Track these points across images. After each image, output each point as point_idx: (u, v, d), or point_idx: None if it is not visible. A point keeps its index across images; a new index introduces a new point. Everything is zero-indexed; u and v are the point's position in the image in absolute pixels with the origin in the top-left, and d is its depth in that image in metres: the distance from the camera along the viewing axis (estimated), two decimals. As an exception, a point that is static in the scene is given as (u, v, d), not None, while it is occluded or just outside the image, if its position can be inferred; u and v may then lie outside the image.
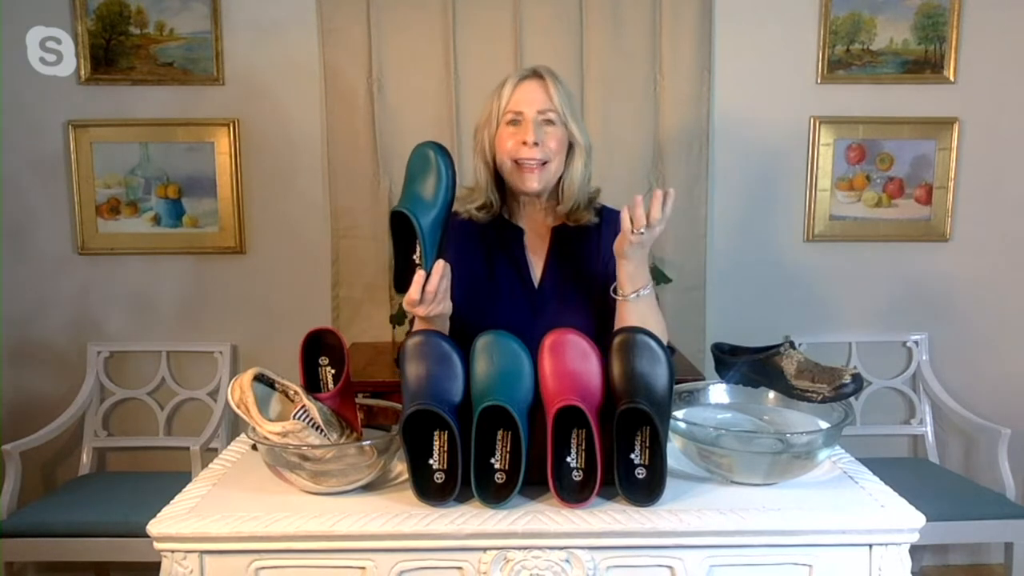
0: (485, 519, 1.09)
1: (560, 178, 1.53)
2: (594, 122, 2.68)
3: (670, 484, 1.14)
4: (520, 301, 1.51)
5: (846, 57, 2.73)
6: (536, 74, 1.50)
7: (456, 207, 1.57)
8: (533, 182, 1.48)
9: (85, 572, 2.71)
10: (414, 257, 1.32)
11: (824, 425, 1.24)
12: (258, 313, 2.80)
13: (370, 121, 2.68)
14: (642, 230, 1.32)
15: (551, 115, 1.48)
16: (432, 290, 1.28)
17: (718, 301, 2.81)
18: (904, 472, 2.53)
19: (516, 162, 1.48)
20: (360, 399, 1.35)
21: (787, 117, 2.75)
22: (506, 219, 1.58)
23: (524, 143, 1.46)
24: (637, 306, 1.40)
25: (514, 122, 1.48)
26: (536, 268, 1.55)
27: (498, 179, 1.55)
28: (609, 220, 1.58)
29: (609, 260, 1.46)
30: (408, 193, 1.34)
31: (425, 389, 1.15)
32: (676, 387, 1.21)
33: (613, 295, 1.42)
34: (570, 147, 1.52)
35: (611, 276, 1.45)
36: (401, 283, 1.32)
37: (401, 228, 1.31)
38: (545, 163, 1.48)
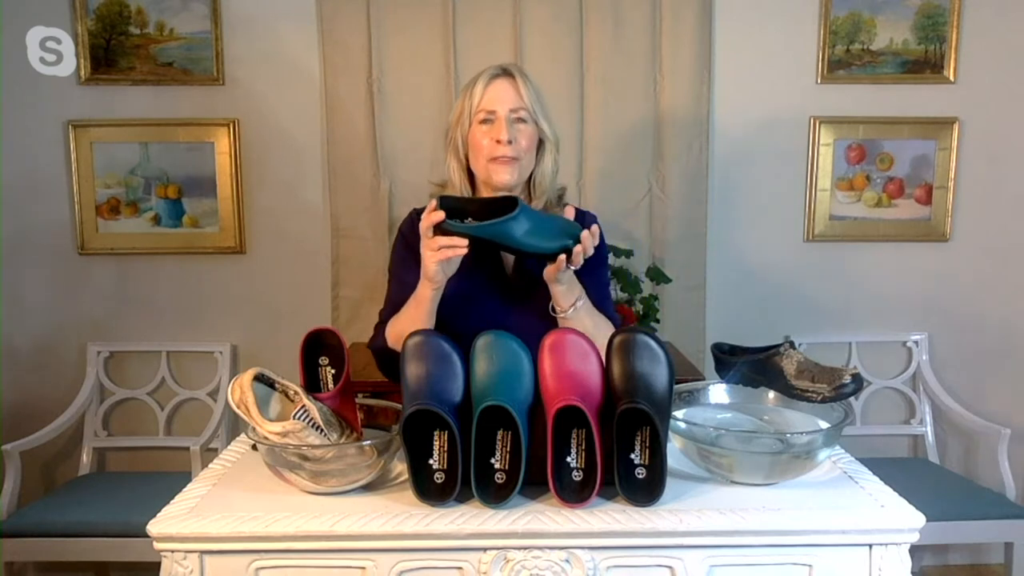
0: (485, 519, 1.09)
1: (532, 175, 1.58)
2: (594, 122, 2.68)
3: (670, 484, 1.14)
4: (494, 293, 1.54)
5: (846, 57, 2.73)
6: (506, 72, 1.54)
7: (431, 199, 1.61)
8: (506, 175, 1.51)
9: (85, 572, 2.71)
10: (469, 220, 1.33)
11: (824, 425, 1.24)
12: (258, 313, 2.80)
13: (370, 121, 2.68)
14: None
15: (522, 113, 1.52)
16: (430, 225, 1.31)
17: (718, 301, 2.81)
18: (904, 472, 2.54)
19: (490, 160, 1.52)
20: (360, 399, 1.35)
21: (787, 117, 2.75)
22: None
23: (498, 141, 1.50)
24: (579, 316, 1.44)
25: (487, 121, 1.52)
26: (508, 260, 1.58)
27: (470, 175, 1.60)
28: (577, 216, 1.60)
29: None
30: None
31: (425, 389, 1.15)
32: (676, 387, 1.21)
33: (552, 313, 1.46)
34: (540, 143, 1.57)
35: (583, 272, 1.48)
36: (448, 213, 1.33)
37: (497, 206, 1.33)
38: (517, 159, 1.52)
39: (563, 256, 1.35)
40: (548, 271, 1.39)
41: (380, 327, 1.58)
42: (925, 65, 2.73)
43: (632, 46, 2.67)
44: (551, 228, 1.36)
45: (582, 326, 1.42)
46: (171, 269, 2.78)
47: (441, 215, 1.31)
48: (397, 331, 1.46)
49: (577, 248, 1.35)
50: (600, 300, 1.55)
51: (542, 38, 2.65)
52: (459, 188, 1.59)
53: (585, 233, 1.36)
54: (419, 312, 1.43)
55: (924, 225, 2.81)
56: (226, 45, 2.67)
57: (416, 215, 1.63)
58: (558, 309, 1.45)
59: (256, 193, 2.76)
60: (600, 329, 1.45)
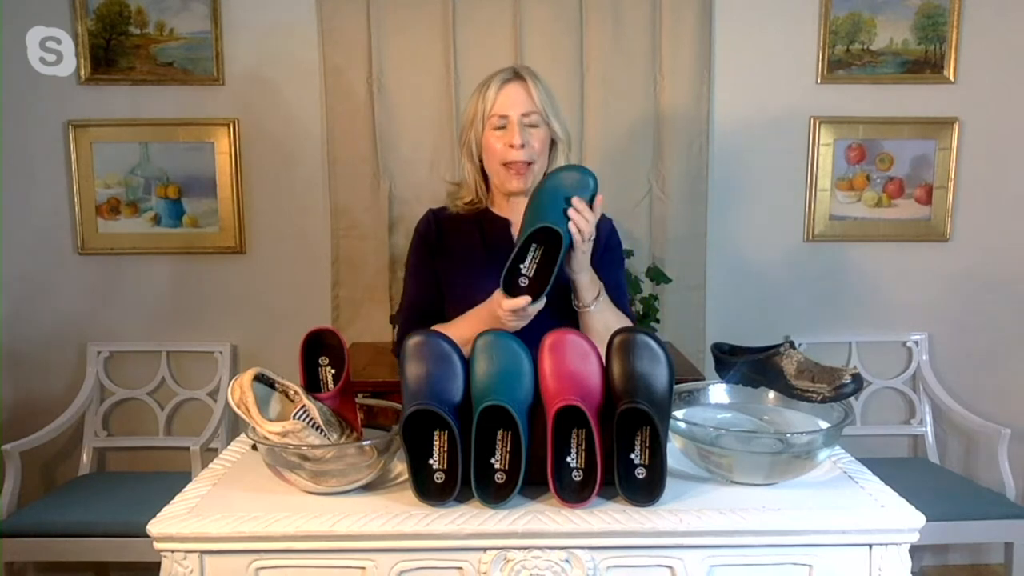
0: (485, 519, 1.09)
1: (545, 174, 1.59)
2: (594, 122, 2.68)
3: (670, 484, 1.14)
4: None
5: (846, 57, 2.73)
6: (518, 75, 1.57)
7: (445, 203, 1.68)
8: (519, 182, 1.55)
9: (85, 572, 2.71)
10: (520, 266, 1.37)
11: (824, 425, 1.24)
12: (258, 313, 2.80)
13: (370, 121, 2.68)
14: (591, 238, 1.40)
15: (534, 116, 1.55)
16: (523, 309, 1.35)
17: (718, 301, 2.81)
18: (904, 472, 2.54)
19: (503, 164, 1.55)
20: (360, 399, 1.35)
21: (787, 117, 2.75)
22: (493, 212, 1.65)
23: (511, 146, 1.53)
24: (601, 311, 1.48)
25: (500, 125, 1.55)
26: None
27: (484, 174, 1.63)
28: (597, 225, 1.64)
29: (592, 252, 1.53)
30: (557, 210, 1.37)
31: (425, 389, 1.15)
32: (676, 387, 1.21)
33: (576, 307, 1.49)
34: (552, 143, 1.59)
35: (599, 271, 1.52)
36: (508, 285, 1.37)
37: (539, 238, 1.36)
38: (530, 163, 1.55)
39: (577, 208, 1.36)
40: (573, 261, 1.40)
41: (405, 330, 1.58)
42: (925, 65, 2.73)
43: (632, 46, 2.67)
44: (549, 200, 1.37)
45: (604, 322, 1.46)
46: (171, 269, 2.78)
47: (523, 302, 1.35)
48: None
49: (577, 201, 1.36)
50: (616, 300, 1.56)
51: (542, 38, 2.65)
52: (473, 189, 1.63)
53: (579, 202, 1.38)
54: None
55: (924, 225, 2.81)
56: (226, 45, 2.67)
57: (432, 215, 1.68)
58: (582, 304, 1.48)
59: (256, 193, 2.76)
60: (625, 324, 1.49)
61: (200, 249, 2.77)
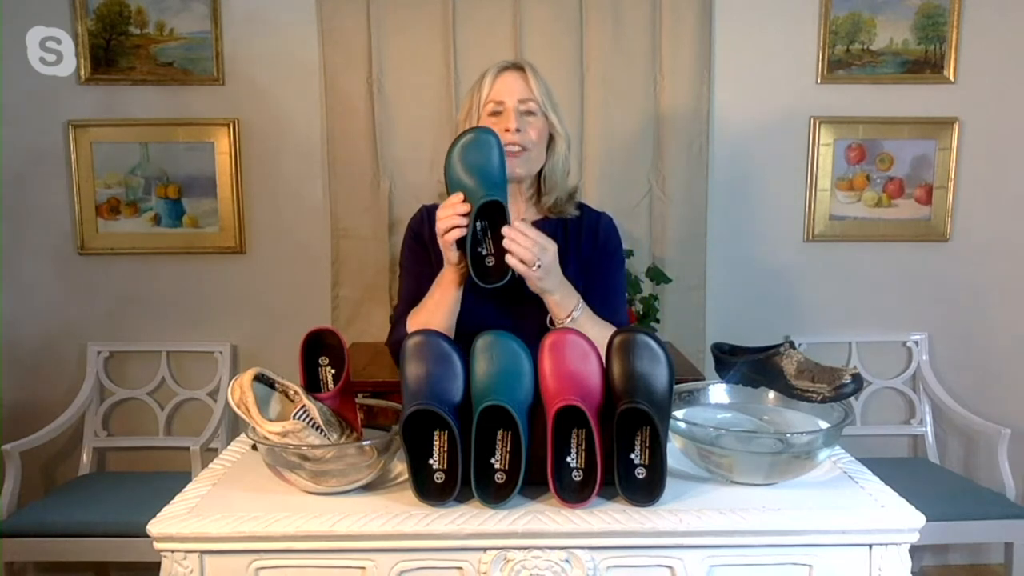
0: (485, 519, 1.09)
1: (542, 169, 1.56)
2: (594, 122, 2.68)
3: (670, 484, 1.14)
4: (494, 300, 1.52)
5: (846, 57, 2.73)
6: (515, 66, 1.54)
7: (439, 200, 1.62)
8: (516, 167, 1.50)
9: (85, 572, 2.71)
10: (480, 250, 1.34)
11: (824, 425, 1.24)
12: (258, 313, 2.80)
13: (370, 121, 2.68)
14: (537, 263, 1.33)
15: (531, 105, 1.51)
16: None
17: (718, 301, 2.81)
18: (904, 472, 2.54)
19: None
20: (360, 399, 1.35)
21: (787, 117, 2.75)
22: None
23: (507, 130, 1.48)
24: (578, 327, 1.40)
25: (495, 113, 1.51)
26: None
27: None
28: (589, 215, 1.63)
29: (589, 252, 1.53)
30: (487, 181, 1.33)
31: (425, 389, 1.15)
32: (676, 387, 1.21)
33: (550, 327, 1.43)
34: (551, 138, 1.56)
35: (586, 267, 1.50)
36: (479, 272, 1.35)
37: (485, 215, 1.34)
38: (526, 150, 1.51)
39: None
40: (530, 285, 1.38)
41: (399, 323, 1.56)
42: (925, 65, 2.73)
43: (632, 46, 2.67)
44: (462, 176, 1.35)
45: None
46: (171, 269, 2.78)
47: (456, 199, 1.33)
48: (422, 320, 1.45)
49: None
50: (604, 301, 1.51)
51: (542, 38, 2.65)
52: None
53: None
54: (445, 297, 1.42)
55: (924, 225, 2.81)
56: (226, 45, 2.67)
57: (426, 211, 1.66)
58: (556, 321, 1.43)
59: (256, 193, 2.76)
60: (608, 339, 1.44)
61: (200, 249, 2.77)
